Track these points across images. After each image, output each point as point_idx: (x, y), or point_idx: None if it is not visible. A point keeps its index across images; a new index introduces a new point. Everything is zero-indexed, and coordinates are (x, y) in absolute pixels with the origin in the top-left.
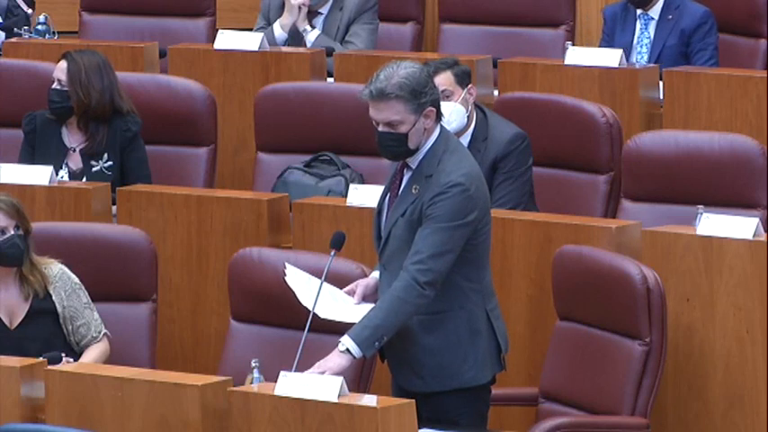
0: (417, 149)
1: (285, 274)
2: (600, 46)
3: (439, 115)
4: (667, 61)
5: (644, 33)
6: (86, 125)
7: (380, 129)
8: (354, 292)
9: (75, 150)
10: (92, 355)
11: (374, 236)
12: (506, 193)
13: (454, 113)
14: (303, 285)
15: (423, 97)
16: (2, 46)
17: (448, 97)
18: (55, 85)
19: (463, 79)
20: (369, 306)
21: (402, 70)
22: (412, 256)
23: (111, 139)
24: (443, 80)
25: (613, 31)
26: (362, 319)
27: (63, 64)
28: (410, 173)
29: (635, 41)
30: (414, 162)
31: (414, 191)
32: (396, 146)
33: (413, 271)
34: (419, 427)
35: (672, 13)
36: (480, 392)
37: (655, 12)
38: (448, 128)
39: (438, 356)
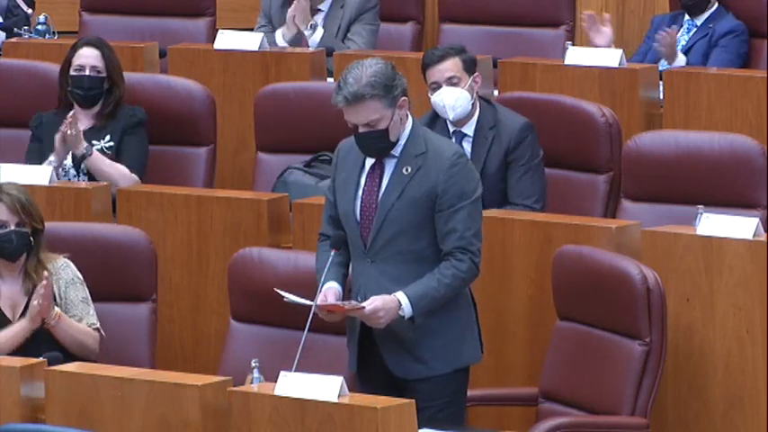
0: (398, 141)
1: (283, 298)
2: (639, 48)
3: (410, 102)
4: (693, 56)
5: (683, 36)
6: (110, 110)
7: (361, 130)
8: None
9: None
10: (79, 326)
11: (351, 233)
12: (533, 187)
13: (460, 99)
14: (301, 299)
15: (394, 90)
16: (2, 46)
17: (455, 84)
18: (88, 73)
19: (470, 66)
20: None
21: (368, 69)
22: (457, 240)
23: (115, 121)
24: (451, 65)
25: (656, 34)
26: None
27: (93, 51)
28: (393, 160)
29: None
30: (396, 149)
31: (405, 172)
32: (379, 142)
33: (468, 253)
34: (419, 427)
35: (713, 22)
36: (465, 375)
37: (700, 20)
38: (453, 113)
39: (440, 338)
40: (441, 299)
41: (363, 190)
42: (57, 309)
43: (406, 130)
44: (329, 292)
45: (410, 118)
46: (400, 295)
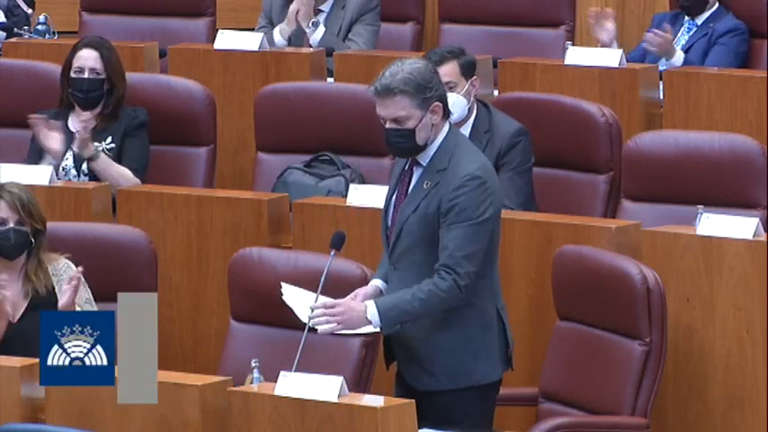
0: (425, 145)
1: (282, 294)
2: (635, 48)
3: (447, 111)
4: (692, 55)
5: (683, 36)
6: (109, 110)
7: (388, 126)
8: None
9: (78, 132)
10: None
11: (383, 235)
12: (516, 188)
13: (455, 105)
14: (300, 302)
15: (428, 92)
16: (2, 46)
17: (452, 88)
18: (87, 75)
19: (468, 71)
20: None
21: (407, 66)
22: (446, 258)
23: (117, 122)
24: (449, 71)
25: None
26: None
27: (92, 53)
28: (421, 169)
29: (674, 42)
30: (424, 158)
31: (425, 186)
32: (403, 142)
33: (453, 274)
34: (420, 427)
35: (713, 22)
36: (490, 391)
37: (700, 19)
38: None
39: (451, 354)
40: (414, 313)
41: (395, 197)
42: (78, 307)
43: (437, 140)
44: (361, 290)
45: (445, 129)
46: (369, 303)
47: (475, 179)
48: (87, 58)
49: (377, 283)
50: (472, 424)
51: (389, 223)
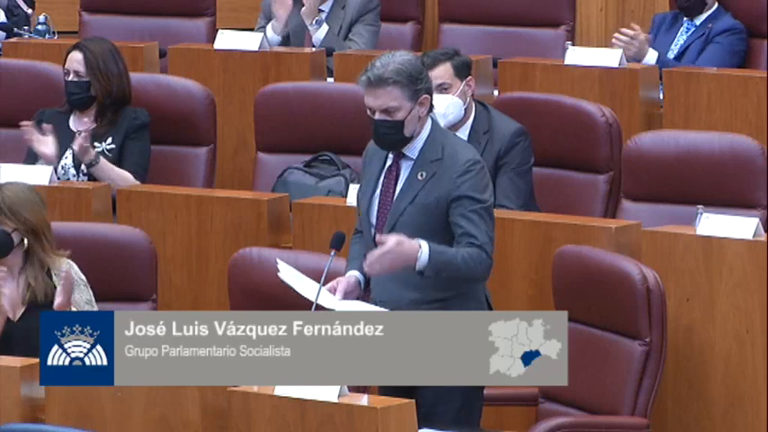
0: (411, 138)
1: (279, 271)
2: None
3: (431, 106)
4: (689, 55)
5: (682, 36)
6: (104, 112)
7: (377, 117)
8: (335, 290)
9: (80, 133)
10: None
11: (366, 233)
12: (516, 189)
13: (451, 106)
14: (297, 280)
15: (419, 84)
16: (2, 46)
17: (446, 90)
18: (72, 78)
19: (462, 71)
20: (352, 302)
21: (398, 57)
22: (474, 240)
23: (118, 123)
24: (442, 72)
25: (657, 35)
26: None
27: (77, 55)
28: (410, 162)
29: (673, 43)
30: (413, 151)
31: (420, 177)
32: (392, 134)
33: (484, 252)
34: (419, 427)
35: (712, 22)
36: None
37: (699, 20)
38: (444, 120)
39: None
40: (455, 267)
41: (380, 192)
42: (78, 308)
43: (423, 133)
44: (342, 279)
45: (430, 121)
46: (423, 242)
47: (477, 163)
48: (72, 61)
49: (355, 273)
50: (464, 414)
51: (374, 220)
